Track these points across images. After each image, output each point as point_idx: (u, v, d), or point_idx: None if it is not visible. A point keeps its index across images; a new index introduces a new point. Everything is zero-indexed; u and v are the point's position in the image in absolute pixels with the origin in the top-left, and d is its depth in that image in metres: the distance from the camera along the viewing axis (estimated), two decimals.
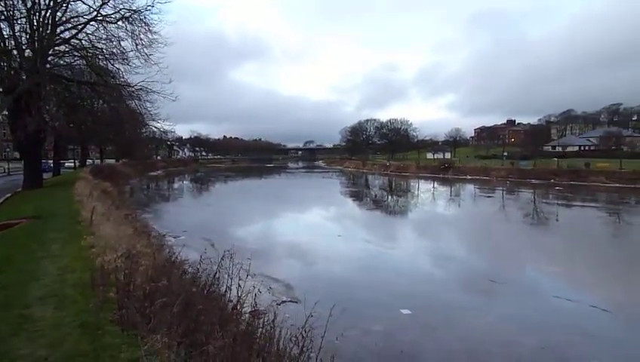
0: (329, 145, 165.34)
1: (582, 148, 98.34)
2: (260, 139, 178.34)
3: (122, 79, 26.77)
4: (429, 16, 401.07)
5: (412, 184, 54.68)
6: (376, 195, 43.66)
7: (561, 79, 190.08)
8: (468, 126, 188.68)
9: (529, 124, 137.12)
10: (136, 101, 26.89)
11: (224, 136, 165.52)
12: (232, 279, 7.05)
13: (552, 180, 49.62)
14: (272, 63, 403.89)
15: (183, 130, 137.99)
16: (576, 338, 8.82)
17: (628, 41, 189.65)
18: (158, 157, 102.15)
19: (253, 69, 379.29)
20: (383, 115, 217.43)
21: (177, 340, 4.13)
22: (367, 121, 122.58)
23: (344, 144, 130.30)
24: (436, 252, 17.07)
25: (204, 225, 22.14)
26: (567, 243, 19.41)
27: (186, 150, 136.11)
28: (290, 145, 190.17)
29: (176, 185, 56.94)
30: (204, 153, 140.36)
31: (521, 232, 22.46)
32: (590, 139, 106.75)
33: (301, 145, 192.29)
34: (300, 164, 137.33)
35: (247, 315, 6.29)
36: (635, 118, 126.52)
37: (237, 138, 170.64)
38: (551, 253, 17.35)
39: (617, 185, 44.46)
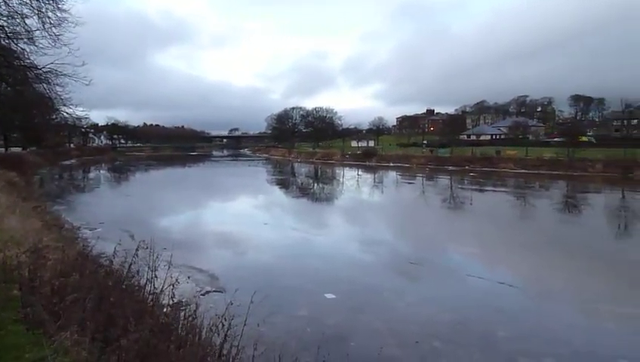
0: (255, 133, 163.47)
1: (494, 136, 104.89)
2: (182, 127, 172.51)
3: (28, 60, 24.57)
4: (357, 6, 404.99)
5: (337, 171, 55.60)
6: (302, 183, 43.92)
7: (477, 71, 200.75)
8: (392, 115, 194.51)
9: (447, 113, 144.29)
10: (45, 85, 24.79)
11: (144, 123, 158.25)
12: (152, 271, 6.79)
13: (467, 167, 52.67)
14: (197, 48, 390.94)
15: (100, 117, 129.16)
16: (488, 312, 9.47)
17: (537, 37, 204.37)
18: (72, 146, 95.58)
19: (177, 53, 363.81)
20: (311, 103, 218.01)
21: (89, 336, 3.92)
22: (293, 108, 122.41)
23: (270, 132, 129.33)
24: (360, 237, 17.53)
25: (124, 216, 21.12)
26: (480, 226, 20.71)
27: (102, 138, 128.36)
28: (214, 133, 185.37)
29: (92, 175, 53.73)
30: (122, 141, 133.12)
31: (439, 216, 23.65)
32: (501, 128, 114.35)
33: (226, 133, 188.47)
34: (225, 153, 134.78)
35: (168, 307, 6.11)
36: (539, 109, 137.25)
37: (158, 125, 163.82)
38: (466, 235, 18.44)
39: (524, 171, 48.11)
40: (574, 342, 8.09)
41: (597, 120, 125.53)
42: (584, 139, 59.85)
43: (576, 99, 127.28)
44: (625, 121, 71.31)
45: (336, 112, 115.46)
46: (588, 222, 22.24)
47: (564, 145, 52.18)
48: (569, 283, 11.73)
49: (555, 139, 70.11)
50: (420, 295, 10.66)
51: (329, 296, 10.10)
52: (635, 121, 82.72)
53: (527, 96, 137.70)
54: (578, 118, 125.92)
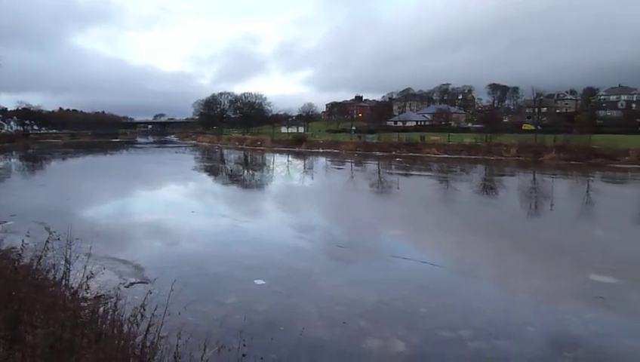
0: (182, 119, 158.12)
1: (419, 123, 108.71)
2: (103, 112, 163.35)
3: None
4: None
5: (267, 158, 55.32)
6: (231, 170, 43.28)
7: (405, 59, 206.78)
8: (322, 101, 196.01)
9: (375, 100, 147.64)
10: None
11: (60, 108, 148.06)
12: (68, 264, 6.43)
13: (394, 152, 54.34)
14: (122, 29, 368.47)
15: (10, 101, 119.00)
16: (411, 291, 9.90)
17: (461, 27, 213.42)
18: None
19: (100, 34, 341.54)
20: (242, 89, 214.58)
21: None
22: (222, 94, 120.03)
23: (198, 118, 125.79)
24: (290, 223, 17.63)
25: (39, 207, 19.70)
26: (406, 209, 21.54)
27: (12, 124, 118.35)
28: (138, 119, 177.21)
29: (0, 164, 49.57)
30: (35, 127, 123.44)
31: (367, 201, 24.28)
32: (425, 115, 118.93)
33: (151, 119, 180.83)
34: (151, 139, 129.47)
35: (86, 301, 5.84)
36: (460, 96, 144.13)
37: (75, 110, 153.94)
38: (392, 218, 19.11)
39: (446, 155, 50.47)
40: (489, 313, 8.67)
41: (512, 107, 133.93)
42: (528, 127, 64.03)
43: (494, 87, 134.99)
44: (536, 109, 76.58)
45: (265, 98, 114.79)
46: (503, 203, 23.82)
47: (482, 131, 55.38)
48: (486, 261, 12.50)
49: (476, 125, 74.10)
50: (348, 277, 10.93)
51: (258, 281, 10.09)
52: (545, 108, 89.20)
53: (449, 84, 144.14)
54: (495, 105, 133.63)
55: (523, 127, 58.78)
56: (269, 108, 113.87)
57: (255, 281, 10.10)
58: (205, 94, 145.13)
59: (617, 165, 39.42)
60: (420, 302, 9.22)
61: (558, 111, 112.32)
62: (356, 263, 12.25)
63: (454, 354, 7.11)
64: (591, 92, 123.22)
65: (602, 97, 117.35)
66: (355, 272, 11.44)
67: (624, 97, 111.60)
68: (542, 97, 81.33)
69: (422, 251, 13.34)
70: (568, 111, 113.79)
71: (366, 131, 70.39)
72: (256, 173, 39.83)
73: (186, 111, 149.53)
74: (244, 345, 4.83)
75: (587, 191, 26.86)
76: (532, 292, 9.82)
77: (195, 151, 70.06)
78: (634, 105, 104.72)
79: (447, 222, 18.29)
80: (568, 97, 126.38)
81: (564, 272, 11.42)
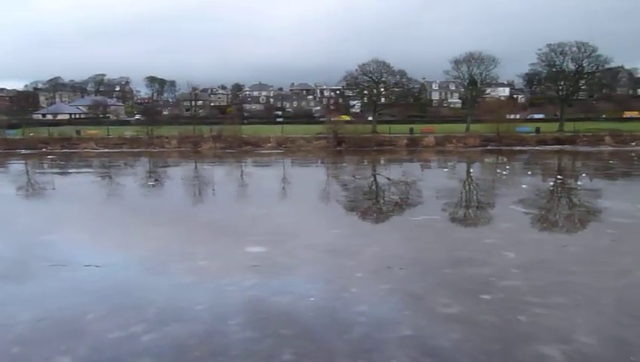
0: None
1: (73, 116, 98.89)
2: None
3: None
4: None
5: None
6: None
7: (56, 45, 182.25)
8: None
9: (15, 90, 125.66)
10: None
11: None
12: None
13: (45, 149, 47.86)
14: None
15: None
16: (75, 298, 9.01)
17: (120, 17, 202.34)
18: None
19: None
20: None
21: None
22: None
23: None
24: None
25: None
26: (64, 210, 19.33)
27: None
28: None
29: None
30: None
31: (16, 205, 20.61)
32: (80, 107, 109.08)
33: None
34: None
35: None
36: (117, 88, 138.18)
37: None
38: (48, 222, 16.85)
39: (107, 150, 47.75)
40: (160, 303, 8.69)
41: (171, 100, 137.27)
42: (345, 117, 65.44)
43: (152, 80, 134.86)
44: (192, 102, 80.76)
45: None
46: (169, 192, 24.38)
47: (144, 124, 54.87)
48: (151, 252, 12.38)
49: (137, 118, 72.45)
50: None
51: None
52: (201, 102, 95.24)
53: (104, 75, 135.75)
54: (155, 98, 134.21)
55: (341, 118, 61.54)
56: None
57: None
58: None
59: (263, 151, 45.90)
60: (87, 309, 8.48)
61: (212, 104, 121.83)
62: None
63: (127, 351, 6.90)
64: (238, 88, 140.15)
65: (247, 92, 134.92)
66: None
67: (264, 93, 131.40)
68: (197, 91, 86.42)
69: (84, 253, 12.27)
70: (221, 104, 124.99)
71: (6, 126, 59.11)
72: None
73: None
74: None
75: (241, 176, 30.30)
76: (199, 272, 10.43)
77: None
78: (272, 100, 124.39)
79: (112, 217, 17.39)
80: (220, 92, 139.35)
81: (226, 249, 12.57)
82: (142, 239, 14.02)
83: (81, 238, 14.37)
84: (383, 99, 64.49)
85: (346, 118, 66.84)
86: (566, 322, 7.68)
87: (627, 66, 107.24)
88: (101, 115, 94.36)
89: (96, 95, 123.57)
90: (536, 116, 74.27)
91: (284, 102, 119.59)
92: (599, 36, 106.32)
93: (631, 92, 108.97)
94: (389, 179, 27.44)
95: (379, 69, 59.37)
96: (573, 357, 6.51)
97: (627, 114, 76.40)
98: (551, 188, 23.81)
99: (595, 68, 57.47)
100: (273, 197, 21.54)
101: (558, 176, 27.95)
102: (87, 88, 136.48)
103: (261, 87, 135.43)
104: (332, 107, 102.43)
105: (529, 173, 30.06)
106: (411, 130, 52.61)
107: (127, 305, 8.64)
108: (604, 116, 72.29)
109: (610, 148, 45.14)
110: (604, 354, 6.66)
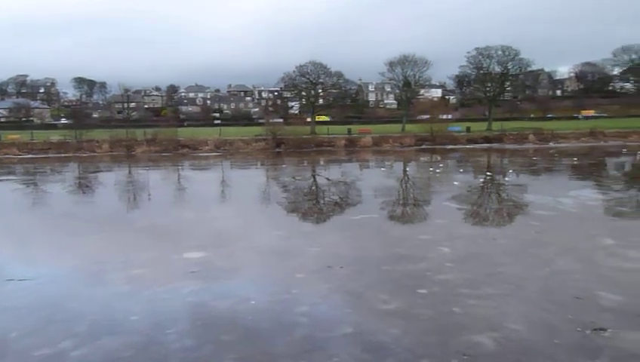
0: None
1: None
2: None
3: None
4: None
5: None
6: None
7: None
8: None
9: None
10: None
11: None
12: None
13: None
14: None
15: None
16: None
17: (48, 15, 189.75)
18: None
19: None
20: None
21: None
22: None
23: None
24: None
25: None
26: None
27: None
28: None
29: None
30: None
31: None
32: (0, 110, 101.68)
33: None
34: None
35: None
36: (42, 90, 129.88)
37: None
38: None
39: (31, 155, 44.91)
40: (92, 317, 8.25)
41: (102, 103, 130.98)
42: (324, 118, 63.21)
43: (80, 81, 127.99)
44: (125, 104, 77.73)
45: None
46: (102, 198, 23.28)
47: (72, 127, 51.99)
48: (82, 262, 11.75)
49: (64, 122, 68.55)
50: None
51: None
52: (134, 104, 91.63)
53: (27, 75, 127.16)
54: (83, 100, 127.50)
55: (320, 118, 59.49)
56: None
57: None
58: None
59: (200, 154, 44.95)
60: (10, 326, 7.91)
61: (146, 106, 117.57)
62: None
63: None
64: (173, 89, 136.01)
65: (183, 94, 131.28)
66: None
67: (200, 94, 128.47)
68: (130, 93, 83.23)
69: (8, 267, 11.42)
70: (155, 106, 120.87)
71: None
72: None
73: None
74: None
75: (178, 179, 29.47)
76: (134, 281, 10.02)
77: None
78: (209, 102, 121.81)
79: (40, 227, 16.36)
80: (154, 93, 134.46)
81: (163, 255, 12.12)
82: (72, 248, 13.25)
83: (2, 251, 13.40)
84: (320, 101, 65.12)
85: (325, 118, 67.23)
86: (496, 311, 8.08)
87: (547, 69, 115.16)
88: (24, 119, 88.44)
89: (17, 97, 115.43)
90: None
91: (222, 104, 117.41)
92: (524, 40, 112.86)
93: (550, 93, 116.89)
94: (328, 179, 27.73)
95: (316, 70, 59.99)
96: (503, 344, 6.86)
97: (584, 113, 78.93)
98: (481, 185, 24.98)
99: (518, 70, 61.19)
100: (212, 200, 21.15)
101: (488, 173, 29.41)
102: (8, 90, 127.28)
103: (197, 88, 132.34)
104: (270, 108, 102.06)
105: (461, 170, 31.42)
106: (349, 130, 53.49)
107: (55, 319, 8.14)
108: (532, 116, 77.28)
109: (533, 145, 48.15)
110: (531, 338, 7.05)
